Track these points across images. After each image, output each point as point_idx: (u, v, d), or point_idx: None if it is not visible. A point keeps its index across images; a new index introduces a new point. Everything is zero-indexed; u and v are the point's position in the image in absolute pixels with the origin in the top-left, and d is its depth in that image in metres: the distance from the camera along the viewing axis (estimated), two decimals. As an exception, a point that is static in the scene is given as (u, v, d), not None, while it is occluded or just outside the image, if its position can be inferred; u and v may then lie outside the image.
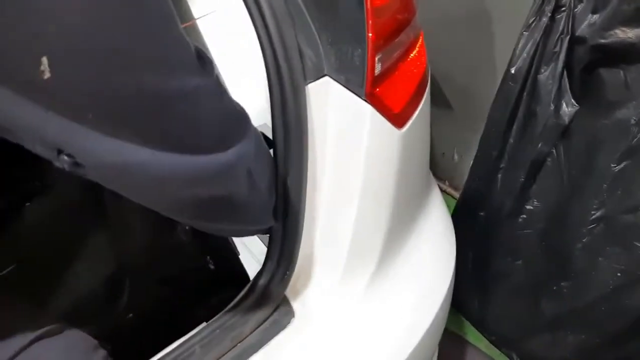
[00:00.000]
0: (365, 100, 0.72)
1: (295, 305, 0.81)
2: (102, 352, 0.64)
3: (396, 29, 0.75)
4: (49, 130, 0.39)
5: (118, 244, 0.75)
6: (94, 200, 0.72)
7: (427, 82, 0.85)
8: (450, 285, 0.90)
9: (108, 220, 0.75)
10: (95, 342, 0.65)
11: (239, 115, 0.56)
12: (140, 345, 0.77)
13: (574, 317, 1.28)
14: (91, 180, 0.50)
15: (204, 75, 0.47)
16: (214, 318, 0.80)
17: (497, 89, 1.33)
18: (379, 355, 0.78)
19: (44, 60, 0.36)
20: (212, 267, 0.90)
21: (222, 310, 0.82)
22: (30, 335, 0.59)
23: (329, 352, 0.77)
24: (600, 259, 1.21)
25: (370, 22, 0.69)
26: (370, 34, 0.69)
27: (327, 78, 0.73)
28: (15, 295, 0.67)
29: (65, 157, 0.41)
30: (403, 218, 0.84)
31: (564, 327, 1.30)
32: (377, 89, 0.72)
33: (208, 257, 0.88)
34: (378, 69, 0.71)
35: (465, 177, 1.52)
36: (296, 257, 0.79)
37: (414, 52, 0.81)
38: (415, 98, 0.80)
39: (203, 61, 0.48)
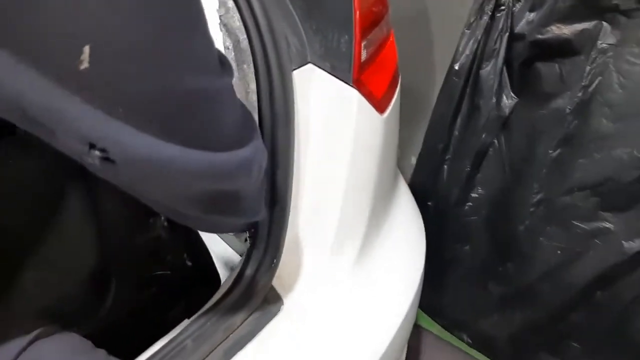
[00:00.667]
0: (352, 86, 0.74)
1: (283, 292, 0.81)
2: (101, 351, 0.62)
3: (376, 19, 0.78)
4: (85, 122, 0.39)
5: (99, 237, 0.72)
6: (71, 187, 0.69)
7: (399, 73, 0.89)
8: (424, 262, 0.94)
9: (88, 211, 0.72)
10: (90, 342, 0.62)
11: (249, 115, 0.59)
12: (123, 345, 0.74)
13: (519, 295, 1.37)
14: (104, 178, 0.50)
15: (225, 76, 0.49)
16: (202, 311, 0.79)
17: (435, 86, 1.41)
18: (369, 335, 0.80)
19: (86, 49, 0.36)
20: (189, 264, 0.88)
21: (202, 306, 0.81)
22: (27, 337, 0.56)
23: (321, 336, 0.78)
24: (541, 239, 1.30)
25: (357, 12, 0.72)
26: (357, 22, 0.71)
27: (310, 65, 0.75)
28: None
29: (97, 152, 0.41)
30: (382, 201, 0.88)
31: (511, 306, 1.39)
32: (363, 75, 0.75)
33: (185, 255, 0.87)
34: (364, 55, 0.74)
35: (405, 172, 1.58)
36: (283, 245, 0.79)
37: (388, 43, 0.84)
38: (392, 86, 0.84)
39: (223, 62, 0.49)
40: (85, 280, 0.74)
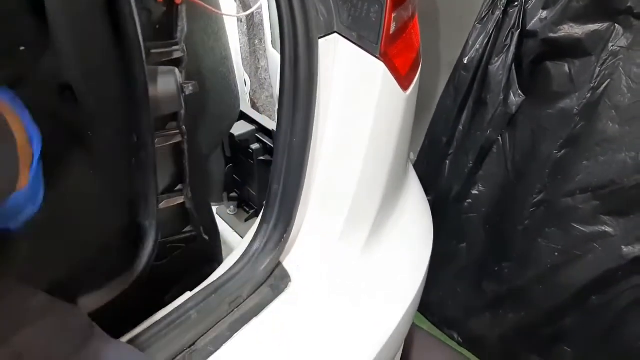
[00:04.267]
0: (379, 59, 0.72)
1: (291, 269, 0.78)
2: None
3: (405, -7, 0.76)
4: None
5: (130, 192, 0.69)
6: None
7: (420, 55, 0.87)
8: (430, 253, 0.92)
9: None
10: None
11: None
12: (124, 314, 0.70)
13: (513, 296, 1.36)
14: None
15: None
16: (206, 283, 0.75)
17: (439, 80, 1.40)
18: (376, 315, 0.78)
19: None
20: (206, 237, 0.85)
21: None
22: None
23: (327, 316, 0.76)
24: (539, 239, 1.30)
25: (390, -19, 0.69)
26: (389, -9, 0.69)
27: (335, 35, 0.73)
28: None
29: None
30: (394, 185, 0.85)
31: (504, 306, 1.38)
32: (390, 49, 0.73)
33: (202, 228, 0.84)
34: (393, 27, 0.72)
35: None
36: (294, 220, 0.77)
37: (413, 23, 0.82)
38: (414, 66, 0.82)
39: None
40: (123, 229, 0.71)
